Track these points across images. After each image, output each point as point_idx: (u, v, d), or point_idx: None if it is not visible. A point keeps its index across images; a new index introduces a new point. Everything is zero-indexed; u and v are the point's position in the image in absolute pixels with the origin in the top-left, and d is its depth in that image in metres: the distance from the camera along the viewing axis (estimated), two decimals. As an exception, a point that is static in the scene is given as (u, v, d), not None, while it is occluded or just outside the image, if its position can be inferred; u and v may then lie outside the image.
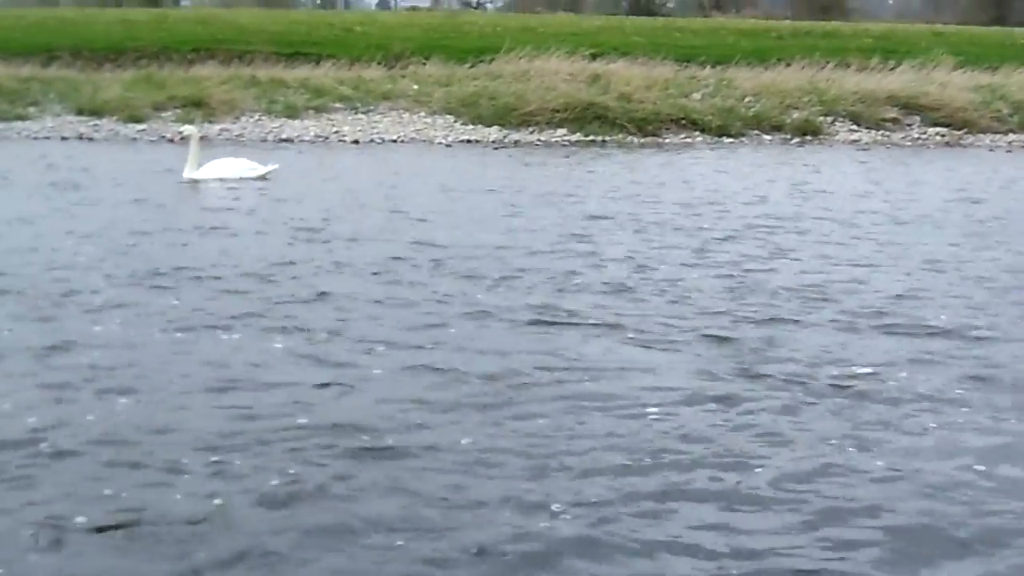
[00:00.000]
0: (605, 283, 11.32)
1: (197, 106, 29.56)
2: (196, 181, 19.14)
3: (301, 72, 33.37)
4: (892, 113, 32.15)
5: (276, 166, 19.93)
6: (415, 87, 32.19)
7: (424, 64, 34.80)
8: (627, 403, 7.50)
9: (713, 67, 35.88)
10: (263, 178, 19.44)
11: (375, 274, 11.63)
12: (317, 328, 9.29)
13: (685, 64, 35.80)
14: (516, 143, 28.36)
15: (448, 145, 27.73)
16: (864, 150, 28.54)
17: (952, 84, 33.79)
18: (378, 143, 27.94)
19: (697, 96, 32.14)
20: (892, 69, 35.13)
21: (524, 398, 7.57)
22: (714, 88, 32.99)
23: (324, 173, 21.41)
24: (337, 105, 30.80)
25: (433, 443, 6.70)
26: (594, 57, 34.58)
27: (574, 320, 9.75)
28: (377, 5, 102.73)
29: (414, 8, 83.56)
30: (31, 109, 29.41)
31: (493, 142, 28.38)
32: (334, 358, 8.45)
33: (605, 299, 10.61)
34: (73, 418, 7.01)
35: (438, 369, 8.18)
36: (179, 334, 9.06)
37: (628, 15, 72.01)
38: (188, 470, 6.25)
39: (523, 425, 7.05)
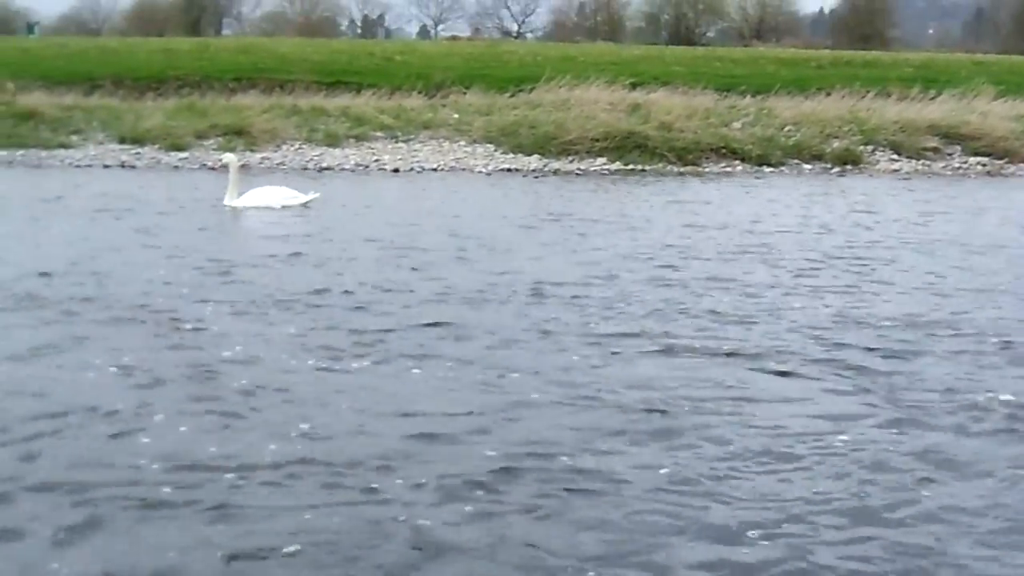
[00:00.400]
0: (711, 311, 11.27)
1: (239, 134, 29.71)
2: (237, 209, 19.20)
3: (342, 101, 33.56)
4: (933, 142, 31.99)
5: (317, 194, 19.96)
6: (455, 116, 32.28)
7: (464, 93, 34.99)
8: (796, 431, 7.49)
9: (753, 96, 35.90)
10: (305, 206, 19.48)
11: (481, 302, 11.54)
12: (446, 355, 9.26)
13: (725, 93, 35.80)
14: (556, 172, 28.32)
15: (488, 174, 27.71)
16: (905, 179, 28.38)
17: (993, 113, 33.65)
18: (418, 171, 27.94)
19: (737, 125, 32.08)
20: (933, 98, 35.01)
21: (690, 425, 7.56)
22: (754, 117, 32.92)
23: (371, 201, 21.39)
24: (378, 134, 30.89)
25: (618, 470, 6.70)
26: (634, 86, 34.60)
27: (697, 347, 9.70)
28: (418, 34, 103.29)
29: (455, 37, 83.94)
30: (74, 137, 29.61)
31: (533, 171, 28.36)
32: (479, 386, 8.46)
33: (718, 326, 10.56)
34: (254, 444, 7.06)
35: (591, 397, 8.15)
36: (311, 360, 9.03)
37: (668, 44, 72.16)
38: (384, 495, 6.28)
39: (706, 451, 7.06)
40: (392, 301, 11.53)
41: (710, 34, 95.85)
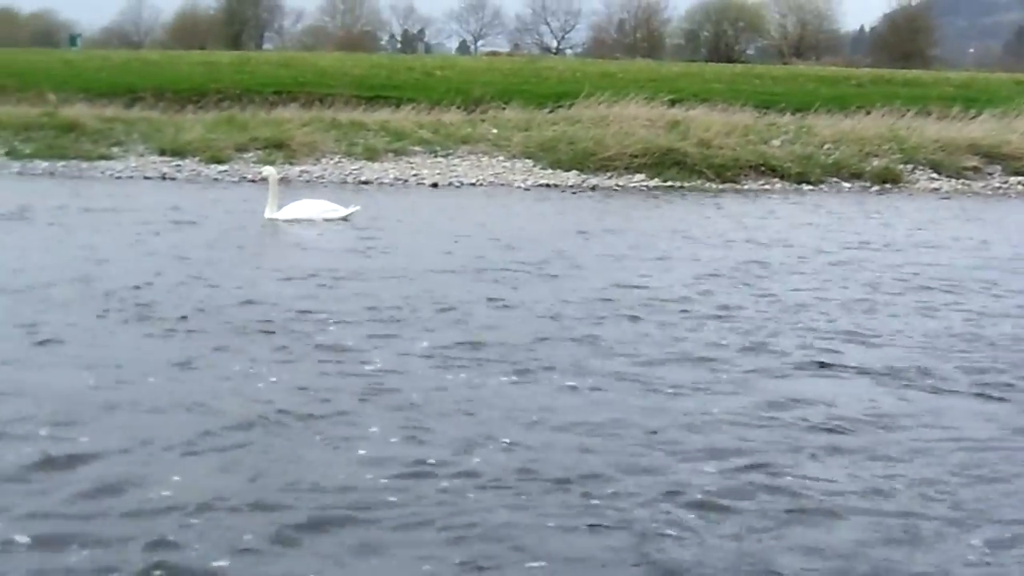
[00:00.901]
0: (830, 327, 11.37)
1: (278, 148, 29.79)
2: (277, 222, 19.26)
3: (381, 115, 33.63)
4: (973, 162, 31.85)
5: (358, 208, 20.00)
6: (494, 131, 32.34)
7: (503, 108, 35.07)
8: (977, 448, 7.55)
9: (792, 114, 35.90)
10: (345, 219, 19.52)
11: (602, 318, 11.50)
12: (597, 370, 9.33)
13: (764, 111, 35.88)
14: (594, 188, 28.32)
15: (527, 189, 27.72)
16: (945, 198, 28.26)
17: (1034, 133, 33.50)
18: (456, 186, 27.96)
19: (776, 143, 32.03)
20: (973, 118, 34.92)
21: (869, 443, 7.62)
22: (793, 135, 32.88)
23: (416, 214, 21.42)
24: (416, 148, 30.94)
25: (818, 487, 6.77)
26: (673, 103, 34.57)
27: (846, 365, 9.75)
28: (457, 50, 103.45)
29: (494, 53, 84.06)
30: (115, 149, 29.76)
31: (571, 186, 28.37)
32: (630, 400, 8.49)
33: (844, 345, 10.59)
34: (460, 455, 7.11)
35: (764, 415, 8.21)
36: (462, 374, 9.08)
37: (707, 61, 72.08)
38: (606, 509, 6.34)
39: (905, 469, 7.11)
40: (503, 316, 11.55)
41: (749, 52, 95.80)
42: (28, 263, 14.12)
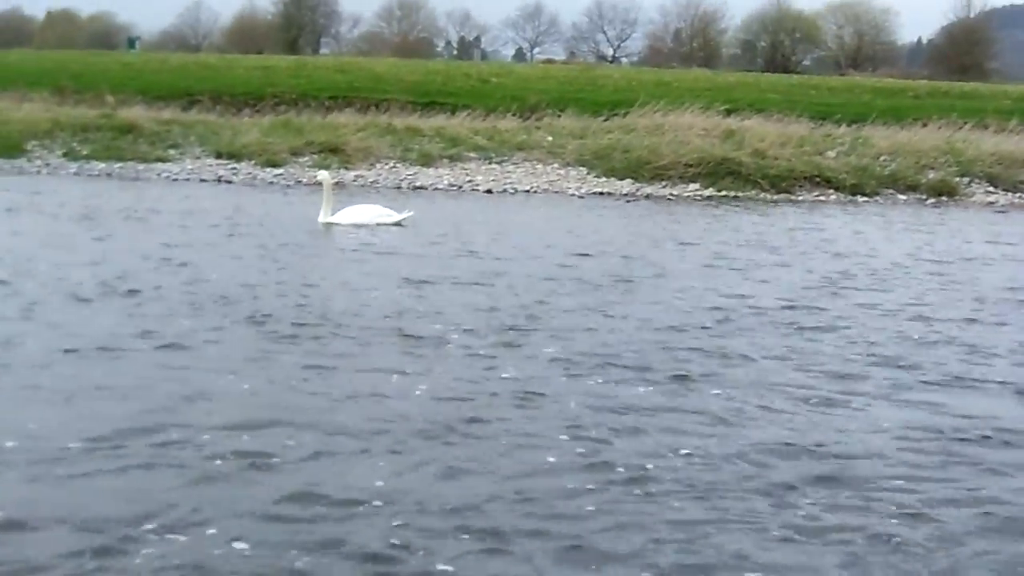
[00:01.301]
0: (949, 339, 11.35)
1: (333, 152, 29.91)
2: (331, 226, 19.31)
3: (436, 121, 33.75)
4: (1031, 176, 31.71)
5: (412, 213, 20.08)
6: (549, 138, 32.37)
7: (559, 116, 35.07)
8: None
9: (848, 125, 35.81)
10: (399, 224, 19.58)
11: (716, 329, 11.47)
12: (738, 382, 9.33)
13: (820, 122, 35.76)
14: (648, 196, 28.28)
15: (581, 197, 27.73)
16: (1001, 212, 28.07)
17: (1092, 147, 33.28)
18: (511, 193, 28.00)
19: (832, 154, 31.93)
20: (1032, 132, 34.73)
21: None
22: (849, 146, 32.79)
23: (477, 221, 21.41)
24: (471, 154, 30.99)
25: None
26: (728, 113, 34.58)
27: (974, 378, 9.76)
28: (513, 57, 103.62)
29: (550, 61, 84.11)
30: (171, 151, 29.93)
31: (625, 195, 28.37)
32: (792, 414, 8.47)
33: (971, 356, 10.58)
34: (635, 462, 7.16)
35: (931, 428, 8.21)
36: (592, 382, 9.11)
37: (763, 72, 71.89)
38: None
39: None
40: (615, 325, 11.50)
41: (806, 62, 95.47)
42: (117, 268, 14.03)
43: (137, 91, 36.56)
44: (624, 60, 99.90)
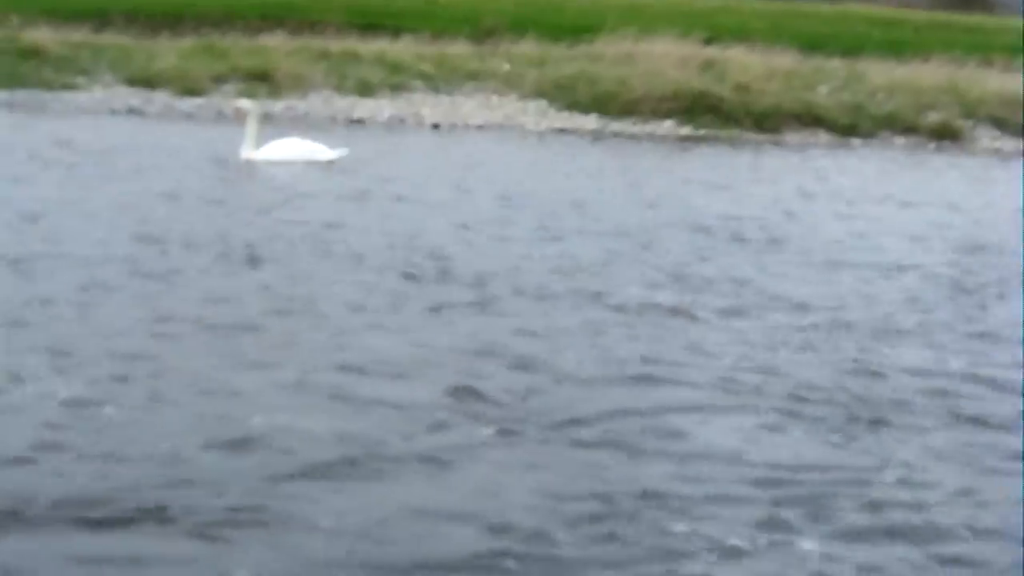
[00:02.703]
0: None
1: (261, 80, 29.37)
2: (254, 163, 18.85)
3: (377, 45, 33.09)
4: (1039, 119, 31.37)
5: (345, 150, 19.68)
6: (505, 67, 31.88)
7: (517, 42, 34.51)
8: None
9: (841, 58, 35.47)
10: (331, 163, 19.17)
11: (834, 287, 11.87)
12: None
13: (810, 53, 35.36)
14: (616, 134, 28.02)
15: (540, 133, 27.46)
16: (1009, 159, 27.74)
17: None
18: (462, 128, 27.69)
19: (823, 90, 31.61)
20: (1040, 71, 34.37)
21: None
22: (843, 82, 32.48)
23: (431, 161, 21.33)
24: (417, 84, 30.50)
25: None
26: (708, 41, 34.04)
27: None
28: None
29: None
30: (79, 79, 29.28)
31: (591, 131, 28.07)
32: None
33: None
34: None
35: None
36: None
37: (747, -3, 71.46)
38: None
39: None
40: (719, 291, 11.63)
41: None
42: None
43: (44, 10, 35.74)
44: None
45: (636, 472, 6.92)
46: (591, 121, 28.92)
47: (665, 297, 10.98)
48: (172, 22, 36.72)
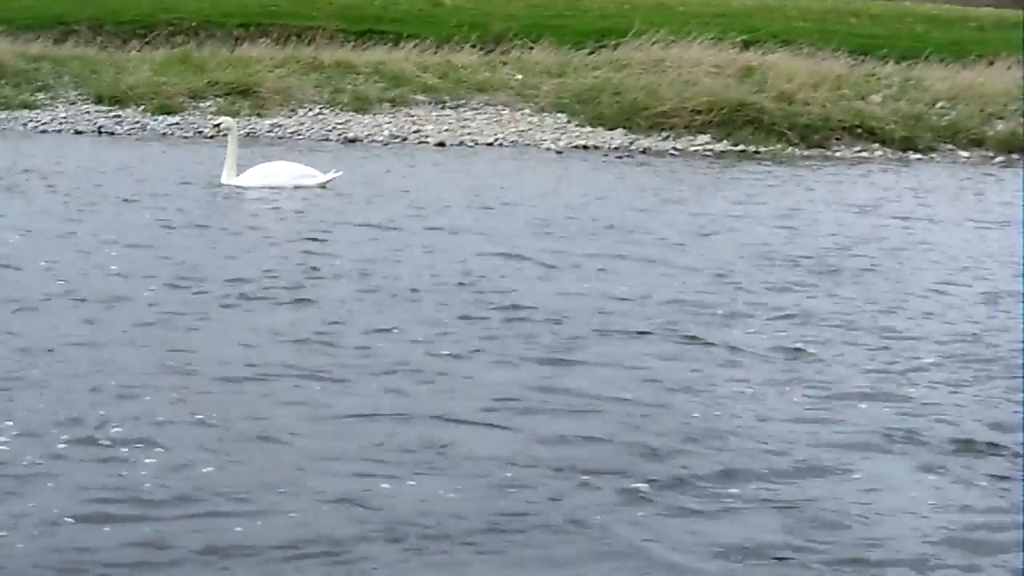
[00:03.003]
0: None
1: (244, 95, 29.66)
2: (237, 188, 18.86)
3: (375, 55, 33.43)
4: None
5: (339, 172, 19.70)
6: (518, 77, 32.09)
7: (531, 49, 34.69)
8: None
9: (897, 63, 35.55)
10: (323, 187, 19.24)
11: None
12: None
13: (862, 58, 35.56)
14: (645, 151, 28.11)
15: (559, 152, 27.54)
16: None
17: None
18: (469, 146, 27.85)
19: (877, 99, 31.74)
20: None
21: None
22: (898, 89, 32.57)
23: (414, 184, 20.96)
24: (419, 97, 30.74)
25: None
26: (747, 45, 34.26)
27: None
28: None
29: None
30: (40, 96, 29.56)
31: (616, 149, 28.15)
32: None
33: None
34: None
35: None
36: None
37: (788, -5, 71.61)
38: None
39: None
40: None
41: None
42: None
43: (-2, 20, 35.98)
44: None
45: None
46: (616, 137, 29.01)
47: (778, 338, 10.81)
48: (143, 31, 36.93)
